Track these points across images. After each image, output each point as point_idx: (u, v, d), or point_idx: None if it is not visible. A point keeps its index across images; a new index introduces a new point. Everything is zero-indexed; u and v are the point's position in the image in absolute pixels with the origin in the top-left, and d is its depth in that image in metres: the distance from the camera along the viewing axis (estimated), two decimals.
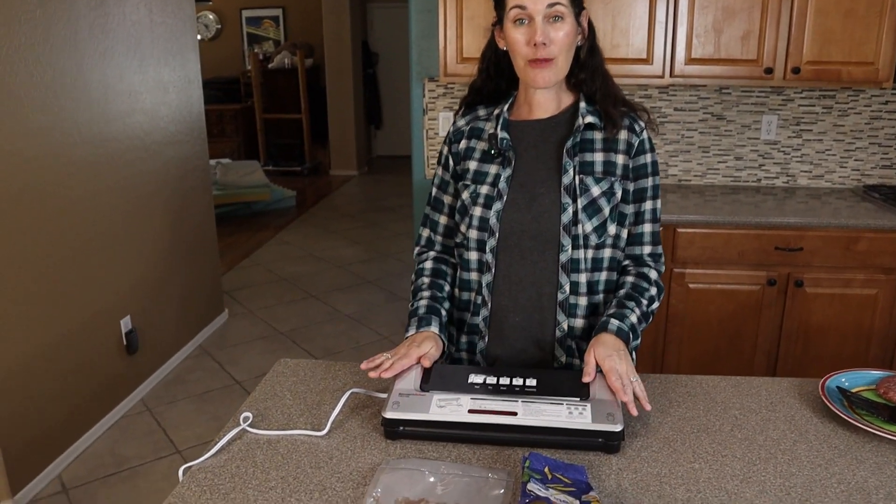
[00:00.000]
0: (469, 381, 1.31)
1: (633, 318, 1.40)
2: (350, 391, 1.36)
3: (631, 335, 1.38)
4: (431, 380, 1.32)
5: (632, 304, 1.42)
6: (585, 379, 1.29)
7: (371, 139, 9.55)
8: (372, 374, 1.33)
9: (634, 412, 1.24)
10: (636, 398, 1.26)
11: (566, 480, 1.09)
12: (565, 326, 1.46)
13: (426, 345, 1.40)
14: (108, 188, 3.07)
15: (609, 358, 1.29)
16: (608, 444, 1.20)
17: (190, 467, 1.19)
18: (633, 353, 1.44)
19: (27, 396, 2.63)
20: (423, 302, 1.50)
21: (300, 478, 1.16)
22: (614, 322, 1.37)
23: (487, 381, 1.30)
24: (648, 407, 1.26)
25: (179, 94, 3.66)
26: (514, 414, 1.21)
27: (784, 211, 2.87)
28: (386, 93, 9.41)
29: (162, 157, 3.51)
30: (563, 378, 1.35)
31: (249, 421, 1.31)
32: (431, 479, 1.13)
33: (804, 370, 2.88)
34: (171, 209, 3.61)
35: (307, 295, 4.66)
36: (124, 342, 3.21)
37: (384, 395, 1.35)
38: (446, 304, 1.53)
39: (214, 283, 4.15)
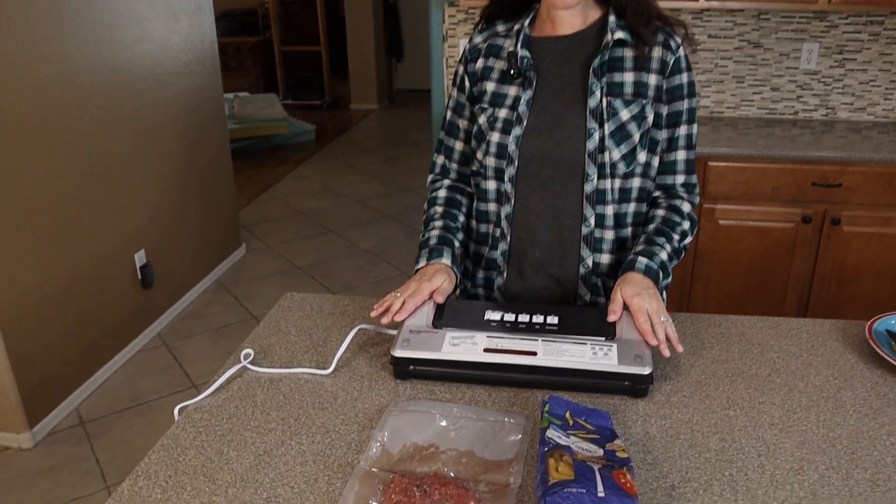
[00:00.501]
0: (485, 317, 1.22)
1: (664, 256, 1.29)
2: (358, 327, 1.28)
3: (661, 273, 1.28)
4: (445, 316, 1.23)
5: (662, 239, 1.30)
6: (611, 318, 1.19)
7: (392, 72, 9.32)
8: (384, 321, 1.24)
9: (666, 353, 1.14)
10: (667, 339, 1.16)
11: (589, 427, 1.00)
12: (590, 262, 1.36)
13: (438, 278, 1.31)
14: (118, 118, 2.98)
15: (637, 297, 1.19)
16: (635, 387, 1.11)
17: (186, 406, 1.12)
18: (664, 292, 1.34)
19: (42, 331, 2.59)
20: (435, 232, 1.40)
21: (302, 419, 1.08)
22: (642, 260, 1.27)
23: (505, 318, 1.21)
24: (680, 348, 1.16)
25: (190, 22, 3.52)
26: (534, 354, 1.12)
27: (822, 145, 2.71)
28: (407, 25, 9.14)
29: (174, 87, 3.39)
30: (588, 316, 1.25)
31: (251, 358, 1.23)
32: (443, 423, 1.05)
33: (837, 312, 2.76)
34: (185, 141, 3.51)
35: (325, 230, 4.58)
36: (139, 276, 3.16)
37: (394, 333, 1.27)
38: (460, 235, 1.43)
39: (231, 218, 4.08)
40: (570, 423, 1.01)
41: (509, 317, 1.21)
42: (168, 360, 3.12)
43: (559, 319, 1.20)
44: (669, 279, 1.33)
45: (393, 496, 0.89)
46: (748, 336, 1.32)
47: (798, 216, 2.67)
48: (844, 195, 2.63)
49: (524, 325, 1.19)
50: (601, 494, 0.82)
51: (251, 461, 0.99)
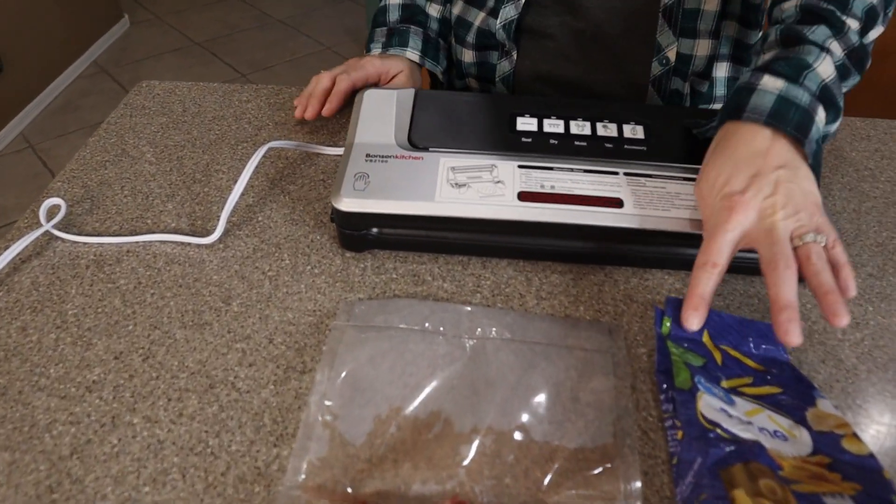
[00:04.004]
0: (513, 125, 0.64)
1: (824, 69, 0.54)
2: (266, 147, 0.69)
3: (815, 118, 0.53)
4: (431, 123, 0.65)
5: (819, 31, 0.56)
6: (690, 321, 0.50)
7: None
8: (298, 114, 0.71)
9: (843, 320, 0.45)
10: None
11: (752, 365, 0.49)
12: (671, 55, 0.78)
13: (393, 65, 0.80)
14: None
15: (748, 201, 0.49)
16: None
17: None
18: (818, 157, 0.56)
19: None
20: (396, 2, 0.84)
21: (156, 357, 0.53)
22: (769, 84, 0.53)
23: (547, 127, 0.64)
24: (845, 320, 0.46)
25: None
26: (618, 204, 0.57)
27: None
28: None
29: None
30: (696, 122, 0.69)
31: (60, 215, 0.65)
32: (444, 350, 0.52)
33: None
34: None
35: None
36: None
37: (335, 151, 0.70)
38: (434, 9, 0.87)
39: None
40: (718, 359, 0.49)
41: (553, 125, 0.64)
42: (36, 166, 2.45)
43: (646, 130, 0.64)
44: (836, 125, 0.57)
45: None
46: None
47: None
48: None
49: (583, 142, 0.62)
50: None
51: (42, 480, 0.45)
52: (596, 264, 0.60)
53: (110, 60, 3.10)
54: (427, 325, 0.53)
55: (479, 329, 0.53)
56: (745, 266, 0.58)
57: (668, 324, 0.50)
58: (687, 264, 0.59)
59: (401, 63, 0.79)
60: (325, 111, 0.74)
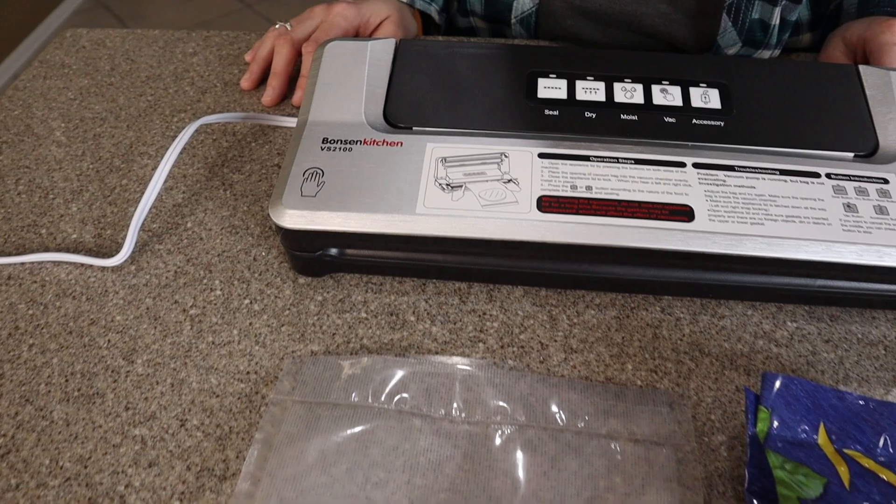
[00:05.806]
0: (532, 90, 0.46)
1: None
2: (196, 124, 0.50)
3: None
4: (416, 89, 0.47)
5: None
6: None
7: None
8: (244, 84, 0.53)
9: None
10: None
11: None
12: None
13: (376, 10, 0.59)
14: None
15: None
16: None
17: None
18: None
19: None
20: None
21: (20, 449, 0.37)
22: None
23: (580, 94, 0.45)
24: None
25: None
26: (686, 215, 0.39)
27: None
28: None
29: None
30: (798, 82, 0.49)
31: None
32: (427, 443, 0.35)
33: None
34: None
35: None
36: None
37: (286, 121, 0.53)
38: None
39: None
40: (845, 476, 0.31)
41: (590, 88, 0.45)
42: None
43: (724, 95, 0.45)
44: None
45: None
46: None
47: None
48: None
49: (633, 116, 0.44)
50: None
51: None
52: (649, 293, 0.43)
53: None
54: (406, 397, 0.37)
55: (479, 408, 0.37)
56: (860, 297, 0.40)
57: (765, 417, 0.33)
58: (781, 296, 0.41)
59: (384, 7, 0.60)
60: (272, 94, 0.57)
